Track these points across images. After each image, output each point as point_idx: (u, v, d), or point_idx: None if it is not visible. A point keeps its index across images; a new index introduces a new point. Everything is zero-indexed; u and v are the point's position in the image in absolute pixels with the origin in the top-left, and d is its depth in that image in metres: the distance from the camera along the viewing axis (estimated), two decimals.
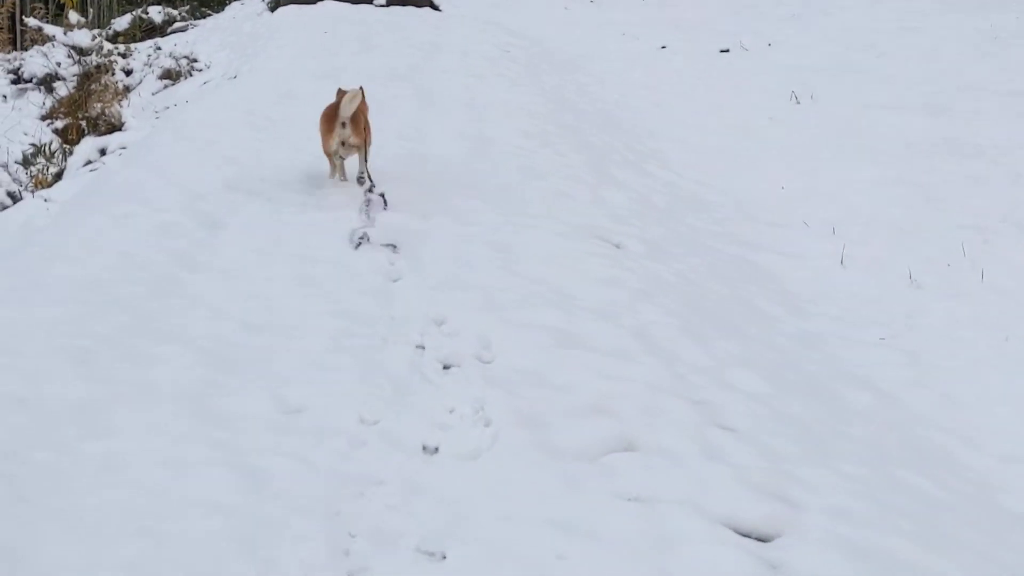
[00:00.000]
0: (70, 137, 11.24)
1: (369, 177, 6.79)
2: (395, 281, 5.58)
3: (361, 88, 6.75)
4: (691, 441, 4.01)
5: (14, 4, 15.35)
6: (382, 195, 6.60)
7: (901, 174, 8.50)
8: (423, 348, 4.76)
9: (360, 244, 5.98)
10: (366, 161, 6.88)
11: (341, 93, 6.74)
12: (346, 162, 7.08)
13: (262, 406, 4.12)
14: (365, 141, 6.84)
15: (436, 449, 3.91)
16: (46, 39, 11.46)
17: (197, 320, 4.95)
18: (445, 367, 4.60)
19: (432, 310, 5.11)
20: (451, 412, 4.15)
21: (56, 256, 5.64)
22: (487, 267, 5.74)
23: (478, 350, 4.72)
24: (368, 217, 6.36)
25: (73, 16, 10.97)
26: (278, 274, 5.56)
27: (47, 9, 13.22)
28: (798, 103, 11.16)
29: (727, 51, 13.99)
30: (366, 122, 6.86)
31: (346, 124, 6.63)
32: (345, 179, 7.04)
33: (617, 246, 6.45)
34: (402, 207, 6.68)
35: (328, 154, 6.93)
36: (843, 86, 11.75)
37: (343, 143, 6.74)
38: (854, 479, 3.98)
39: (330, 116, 6.73)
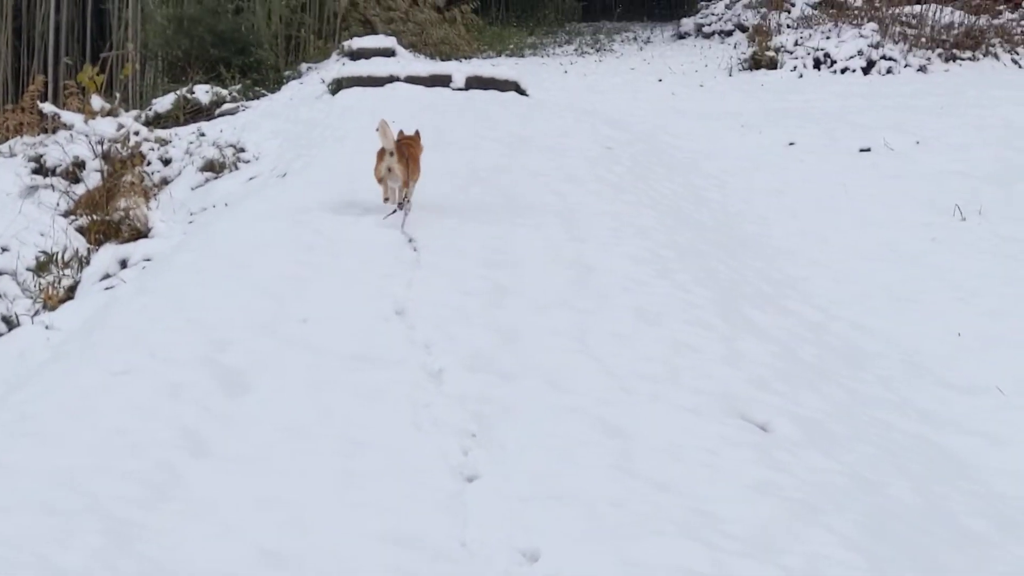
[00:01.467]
0: (92, 239, 10.51)
1: (407, 200, 8.39)
2: (470, 481, 4.55)
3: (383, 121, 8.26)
4: None
5: (45, 83, 14.87)
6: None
7: None
8: None
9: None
10: (408, 196, 8.39)
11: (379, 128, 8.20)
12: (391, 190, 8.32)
13: None
14: (406, 178, 8.28)
15: None
16: (66, 127, 10.82)
17: (197, 541, 3.97)
18: None
19: (520, 536, 4.06)
20: None
21: (24, 432, 4.72)
22: (594, 463, 4.69)
23: None
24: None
25: (96, 102, 10.30)
26: (315, 466, 4.57)
27: (82, 91, 12.60)
28: (963, 219, 10.03)
29: (868, 150, 12.88)
30: (417, 160, 8.48)
31: (393, 153, 8.14)
32: (391, 202, 8.37)
33: (763, 428, 5.36)
34: (480, 365, 5.69)
35: (378, 179, 8.36)
36: (1017, 197, 10.60)
37: (389, 169, 8.20)
38: None
39: (382, 150, 8.27)
